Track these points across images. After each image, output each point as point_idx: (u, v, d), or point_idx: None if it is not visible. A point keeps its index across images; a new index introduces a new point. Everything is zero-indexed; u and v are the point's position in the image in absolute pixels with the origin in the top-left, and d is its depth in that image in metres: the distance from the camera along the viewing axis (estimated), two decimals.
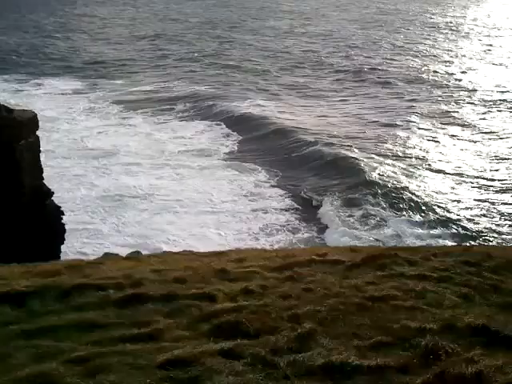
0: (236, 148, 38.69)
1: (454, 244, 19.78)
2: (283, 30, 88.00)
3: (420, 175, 31.41)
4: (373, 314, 6.08)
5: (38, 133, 21.12)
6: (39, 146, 20.80)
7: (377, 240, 23.89)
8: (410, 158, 34.34)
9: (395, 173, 31.43)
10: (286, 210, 28.30)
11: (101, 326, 6.14)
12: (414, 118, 42.15)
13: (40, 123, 20.88)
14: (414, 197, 28.37)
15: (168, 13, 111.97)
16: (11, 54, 72.05)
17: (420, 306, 6.25)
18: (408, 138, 37.80)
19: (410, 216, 26.52)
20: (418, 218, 26.34)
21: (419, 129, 39.70)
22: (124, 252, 11.45)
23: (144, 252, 11.48)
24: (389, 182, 30.04)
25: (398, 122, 41.16)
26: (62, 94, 54.20)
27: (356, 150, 35.25)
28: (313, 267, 7.56)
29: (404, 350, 5.34)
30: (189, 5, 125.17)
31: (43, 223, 19.48)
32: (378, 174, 31.02)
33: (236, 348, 5.42)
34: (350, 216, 26.80)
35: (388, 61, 63.36)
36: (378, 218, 26.35)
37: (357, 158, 33.62)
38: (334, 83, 55.26)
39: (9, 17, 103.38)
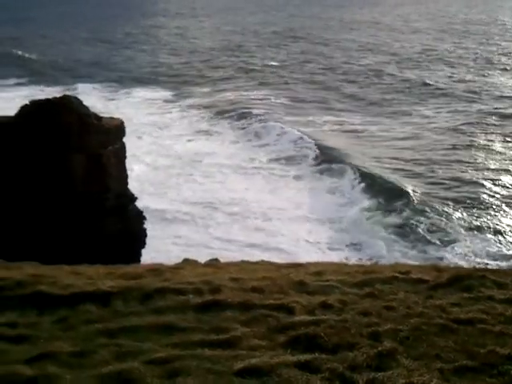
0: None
1: None
2: (374, 44, 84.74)
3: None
4: (458, 337, 5.80)
5: (124, 139, 22.06)
6: (125, 153, 21.68)
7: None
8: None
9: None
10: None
11: (180, 329, 6.26)
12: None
13: (128, 129, 21.70)
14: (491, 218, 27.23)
15: (246, 25, 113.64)
16: (99, 65, 75.97)
17: (510, 332, 5.90)
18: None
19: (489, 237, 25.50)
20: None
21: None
22: (202, 258, 11.63)
23: (224, 259, 11.63)
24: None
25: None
26: (150, 101, 56.68)
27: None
28: (395, 285, 7.35)
29: (491, 377, 5.07)
30: (267, 16, 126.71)
31: (126, 227, 20.24)
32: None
33: (313, 361, 5.35)
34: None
35: (478, 76, 60.74)
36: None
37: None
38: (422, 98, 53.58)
39: (93, 28, 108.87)
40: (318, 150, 38.71)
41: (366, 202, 30.26)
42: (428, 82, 58.17)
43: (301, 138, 41.29)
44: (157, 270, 8.96)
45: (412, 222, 27.47)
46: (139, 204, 22.07)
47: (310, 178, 34.96)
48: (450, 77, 60.89)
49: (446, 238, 25.60)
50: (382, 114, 48.37)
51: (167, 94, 60.10)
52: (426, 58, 72.23)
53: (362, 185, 32.33)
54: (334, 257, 22.75)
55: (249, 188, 33.19)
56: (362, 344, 5.66)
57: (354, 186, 32.73)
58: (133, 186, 22.36)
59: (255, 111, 49.83)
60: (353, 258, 23.11)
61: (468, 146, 38.55)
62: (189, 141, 42.84)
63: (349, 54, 77.39)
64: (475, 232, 26.02)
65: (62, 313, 6.86)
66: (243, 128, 45.83)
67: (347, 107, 51.33)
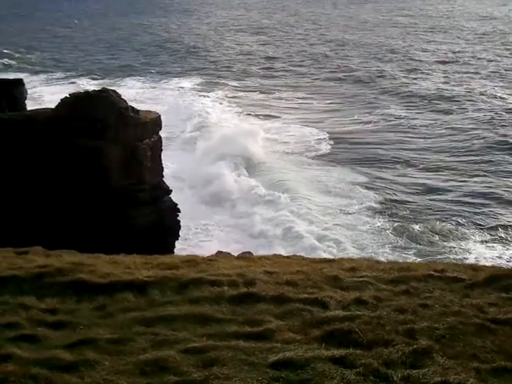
0: None
1: None
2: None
3: None
4: (495, 338, 5.72)
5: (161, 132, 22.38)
6: (161, 146, 22.00)
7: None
8: None
9: None
10: None
11: (215, 320, 6.34)
12: None
13: (165, 121, 21.94)
14: None
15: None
16: (143, 56, 77.15)
17: None
18: None
19: None
20: None
21: None
22: (235, 251, 11.71)
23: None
24: None
25: None
26: (187, 92, 57.53)
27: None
28: (430, 283, 7.26)
29: None
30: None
31: (160, 219, 20.53)
32: None
33: (348, 356, 5.35)
34: None
35: None
36: None
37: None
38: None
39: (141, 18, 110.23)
40: None
41: None
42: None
43: None
44: (192, 260, 9.06)
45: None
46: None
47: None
48: None
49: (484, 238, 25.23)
50: None
51: (202, 83, 60.98)
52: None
53: None
54: None
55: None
56: (397, 341, 5.63)
57: None
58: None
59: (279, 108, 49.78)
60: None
61: None
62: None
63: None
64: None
65: (100, 300, 7.02)
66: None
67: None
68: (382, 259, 14.73)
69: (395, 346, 5.50)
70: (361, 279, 7.48)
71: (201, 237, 27.11)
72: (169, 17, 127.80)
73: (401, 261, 16.14)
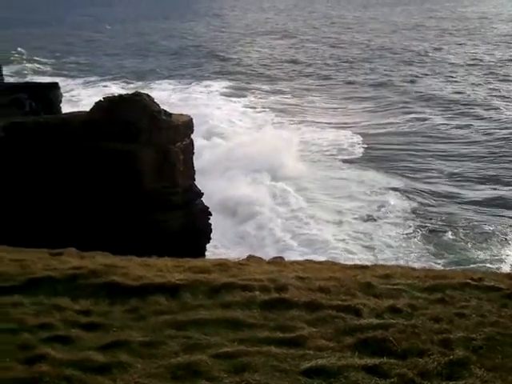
0: None
1: None
2: None
3: None
4: None
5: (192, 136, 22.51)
6: (193, 149, 22.12)
7: None
8: None
9: None
10: None
11: (247, 325, 6.29)
12: None
13: (196, 123, 22.06)
14: None
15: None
16: (176, 59, 77.98)
17: None
18: None
19: None
20: None
21: None
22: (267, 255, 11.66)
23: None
24: None
25: None
26: (218, 95, 57.76)
27: None
28: (466, 292, 7.08)
29: None
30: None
31: (191, 222, 20.63)
32: None
33: (382, 366, 5.24)
34: None
35: None
36: None
37: None
38: None
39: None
40: None
41: None
42: None
43: None
44: (223, 264, 9.05)
45: None
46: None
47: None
48: None
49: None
50: None
51: (233, 87, 60.97)
52: None
53: None
54: None
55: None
56: (433, 351, 5.49)
57: None
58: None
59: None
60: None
61: None
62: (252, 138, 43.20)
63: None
64: None
65: (132, 303, 7.05)
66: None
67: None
68: (416, 266, 14.47)
69: (431, 356, 5.37)
70: (395, 287, 7.34)
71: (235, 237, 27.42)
72: (198, 21, 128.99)
73: (438, 268, 15.82)
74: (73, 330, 6.33)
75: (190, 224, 20.60)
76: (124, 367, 5.41)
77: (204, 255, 19.88)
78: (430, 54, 75.11)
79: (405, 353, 5.50)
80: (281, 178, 35.49)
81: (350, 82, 62.65)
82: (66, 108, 33.79)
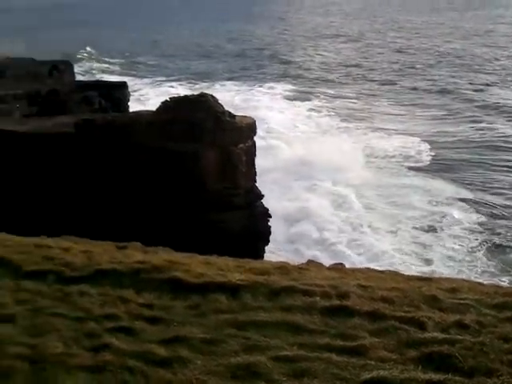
0: None
1: None
2: None
3: None
4: None
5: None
6: (255, 151, 22.22)
7: None
8: None
9: None
10: None
11: (307, 330, 6.23)
12: None
13: (258, 125, 22.14)
14: None
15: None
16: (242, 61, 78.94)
17: None
18: None
19: None
20: None
21: None
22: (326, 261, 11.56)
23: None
24: None
25: None
26: (281, 98, 57.94)
27: None
28: None
29: None
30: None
31: (251, 223, 20.71)
32: None
33: (447, 382, 5.07)
34: None
35: None
36: None
37: None
38: None
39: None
40: None
41: None
42: None
43: None
44: (283, 267, 9.02)
45: None
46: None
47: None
48: None
49: None
50: None
51: (296, 91, 60.92)
52: None
53: None
54: None
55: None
56: (502, 371, 5.25)
57: None
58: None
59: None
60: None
61: None
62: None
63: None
64: None
65: (194, 299, 7.14)
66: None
67: None
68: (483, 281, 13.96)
69: (500, 377, 5.13)
70: (462, 301, 7.07)
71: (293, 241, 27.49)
72: (262, 24, 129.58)
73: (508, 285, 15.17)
74: (136, 322, 6.47)
75: (250, 226, 20.69)
76: (184, 362, 5.48)
77: (263, 257, 19.92)
78: (501, 62, 72.40)
79: (472, 371, 5.28)
80: (343, 183, 35.10)
81: (415, 88, 61.29)
82: (134, 107, 34.81)
